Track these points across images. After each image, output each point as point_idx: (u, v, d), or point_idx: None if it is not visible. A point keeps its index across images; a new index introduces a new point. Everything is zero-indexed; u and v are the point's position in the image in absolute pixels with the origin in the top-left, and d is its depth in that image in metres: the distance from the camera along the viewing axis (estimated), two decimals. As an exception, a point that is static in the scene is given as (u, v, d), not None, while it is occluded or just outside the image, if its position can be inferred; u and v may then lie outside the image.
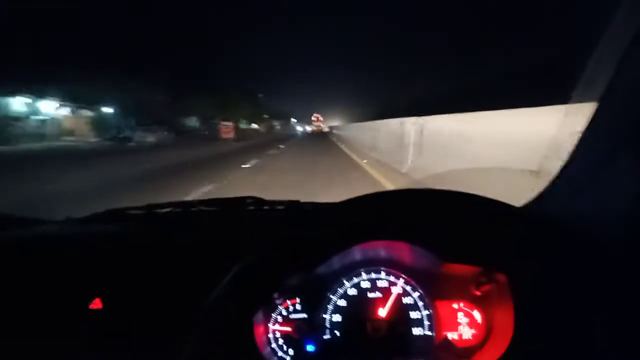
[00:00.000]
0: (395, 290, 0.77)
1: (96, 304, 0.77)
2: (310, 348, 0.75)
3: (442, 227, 0.73)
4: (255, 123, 63.92)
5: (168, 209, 1.12)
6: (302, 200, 1.14)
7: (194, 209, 1.12)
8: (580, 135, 0.67)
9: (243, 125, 55.86)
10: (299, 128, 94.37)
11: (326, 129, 77.74)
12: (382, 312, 0.76)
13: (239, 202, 1.12)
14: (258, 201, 1.12)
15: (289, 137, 38.27)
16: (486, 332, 0.74)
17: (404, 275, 0.78)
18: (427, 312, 0.76)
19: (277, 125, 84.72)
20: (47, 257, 0.86)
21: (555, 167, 0.74)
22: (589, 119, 0.66)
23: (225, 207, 1.13)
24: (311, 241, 0.74)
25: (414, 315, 0.76)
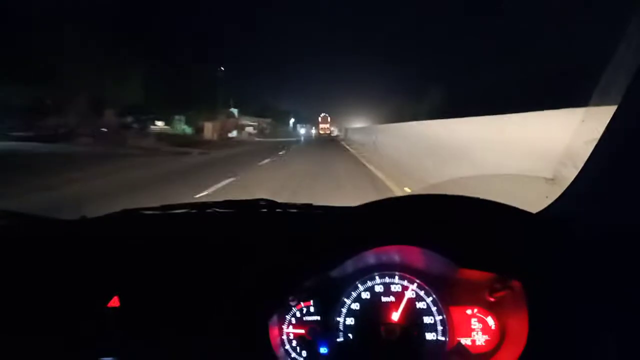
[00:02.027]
0: (408, 295, 0.78)
1: (114, 302, 0.80)
2: (323, 350, 0.76)
3: (457, 232, 0.73)
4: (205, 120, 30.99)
5: (183, 210, 1.14)
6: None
7: (208, 210, 1.14)
8: (596, 142, 0.67)
9: (180, 127, 30.85)
10: (303, 131, 67.91)
11: (336, 133, 59.88)
12: (396, 316, 0.76)
13: (253, 205, 1.14)
14: (271, 204, 1.14)
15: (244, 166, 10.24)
16: (499, 338, 0.74)
17: (417, 280, 0.79)
18: (440, 317, 0.76)
19: (250, 127, 47.04)
20: (63, 256, 0.89)
21: (570, 174, 0.73)
22: (605, 127, 0.65)
23: (239, 209, 1.15)
24: (325, 245, 0.76)
25: (427, 320, 0.76)
